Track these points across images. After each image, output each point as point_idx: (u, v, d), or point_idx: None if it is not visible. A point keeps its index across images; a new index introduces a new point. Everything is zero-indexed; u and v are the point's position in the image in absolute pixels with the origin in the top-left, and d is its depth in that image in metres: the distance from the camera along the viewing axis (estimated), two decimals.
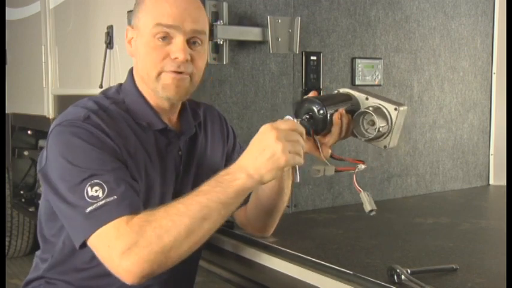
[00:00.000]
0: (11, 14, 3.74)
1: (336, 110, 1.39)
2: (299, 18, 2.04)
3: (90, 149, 1.28)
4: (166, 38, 1.36)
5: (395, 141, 1.43)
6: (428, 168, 2.51)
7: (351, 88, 1.48)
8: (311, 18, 2.15)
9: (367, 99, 1.43)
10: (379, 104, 1.41)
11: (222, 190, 1.21)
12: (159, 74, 1.38)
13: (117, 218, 1.19)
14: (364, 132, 1.42)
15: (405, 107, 1.43)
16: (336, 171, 1.39)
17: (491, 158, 2.71)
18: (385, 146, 1.43)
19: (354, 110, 1.42)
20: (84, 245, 1.24)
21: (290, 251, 1.54)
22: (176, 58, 1.36)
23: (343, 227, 1.89)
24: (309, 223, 1.98)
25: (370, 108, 1.40)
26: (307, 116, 1.37)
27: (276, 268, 1.54)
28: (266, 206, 1.56)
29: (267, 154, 1.20)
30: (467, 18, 2.60)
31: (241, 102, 2.02)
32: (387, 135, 1.41)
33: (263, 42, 2.02)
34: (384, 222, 1.98)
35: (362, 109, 1.41)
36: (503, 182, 2.65)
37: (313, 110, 1.38)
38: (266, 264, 1.57)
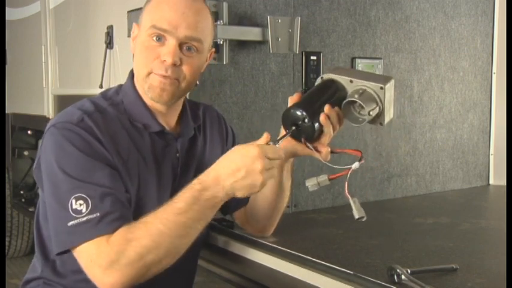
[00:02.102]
0: (11, 14, 3.73)
1: (322, 110, 1.35)
2: (299, 18, 2.04)
3: (80, 156, 1.29)
4: (161, 39, 1.37)
5: (390, 115, 1.40)
6: (428, 168, 2.51)
7: (333, 71, 1.43)
8: (311, 18, 2.15)
9: (351, 81, 1.39)
10: (365, 86, 1.37)
11: (199, 209, 1.25)
12: (148, 74, 1.39)
13: (97, 237, 1.22)
14: (358, 116, 1.39)
15: (392, 82, 1.38)
16: (330, 179, 1.35)
17: (491, 158, 2.71)
18: (380, 123, 1.39)
19: (342, 97, 1.38)
20: (61, 253, 1.27)
21: (290, 251, 1.54)
22: (165, 61, 1.36)
23: (343, 227, 1.89)
24: (309, 223, 1.98)
25: (356, 96, 1.35)
26: (294, 128, 1.34)
27: (276, 268, 1.54)
28: (266, 206, 1.57)
29: (248, 181, 1.24)
30: (467, 18, 2.60)
31: (241, 102, 2.02)
32: (380, 115, 1.38)
33: (263, 42, 2.02)
34: (384, 222, 1.99)
35: (348, 98, 1.37)
36: (503, 182, 2.65)
37: (299, 120, 1.34)
38: (266, 264, 1.57)
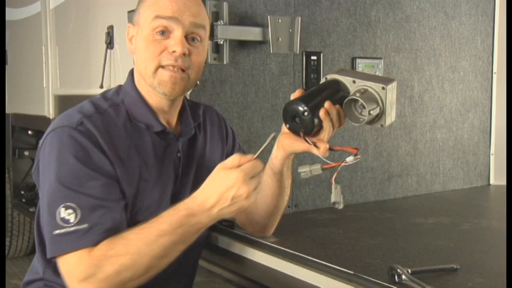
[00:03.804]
0: (11, 14, 3.74)
1: (323, 106, 1.35)
2: (299, 18, 2.03)
3: (76, 164, 1.28)
4: (165, 33, 1.37)
5: (391, 118, 1.40)
6: (428, 168, 2.51)
7: (338, 72, 1.43)
8: (311, 18, 2.15)
9: (354, 82, 1.39)
10: (366, 86, 1.37)
11: (183, 232, 1.25)
12: (157, 69, 1.38)
13: (81, 249, 1.23)
14: (359, 116, 1.38)
15: (394, 83, 1.38)
16: (323, 169, 1.36)
17: (492, 157, 2.71)
18: (381, 125, 1.39)
19: (344, 96, 1.38)
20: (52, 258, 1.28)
21: (290, 251, 1.54)
22: (174, 52, 1.36)
23: (343, 227, 1.89)
24: (309, 223, 1.97)
25: (357, 94, 1.35)
26: (293, 121, 1.35)
27: (276, 268, 1.54)
28: (266, 206, 1.56)
29: (235, 206, 1.24)
30: (467, 18, 2.60)
31: (241, 102, 2.02)
32: (381, 115, 1.38)
33: (263, 42, 2.02)
34: (384, 222, 1.98)
35: (349, 96, 1.37)
36: (504, 181, 2.65)
37: (298, 113, 1.35)
38: (266, 264, 1.57)
